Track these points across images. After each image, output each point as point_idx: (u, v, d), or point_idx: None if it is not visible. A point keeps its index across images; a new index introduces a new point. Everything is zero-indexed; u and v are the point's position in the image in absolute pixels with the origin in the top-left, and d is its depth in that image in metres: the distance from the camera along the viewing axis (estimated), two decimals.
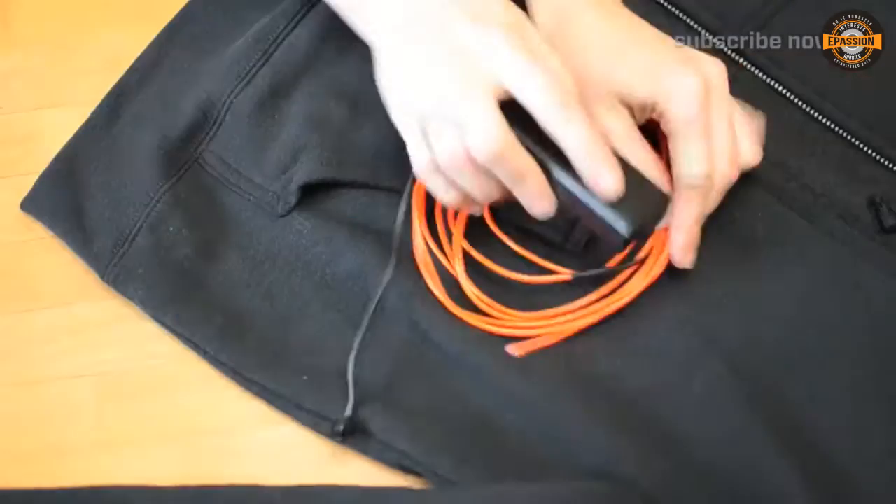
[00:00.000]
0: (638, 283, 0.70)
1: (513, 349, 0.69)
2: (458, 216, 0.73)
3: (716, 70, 0.69)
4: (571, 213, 0.67)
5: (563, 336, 0.70)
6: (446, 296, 0.71)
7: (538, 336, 0.70)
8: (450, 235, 0.73)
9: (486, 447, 0.67)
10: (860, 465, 0.66)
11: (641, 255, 0.71)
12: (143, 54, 0.80)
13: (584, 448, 0.66)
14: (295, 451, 0.69)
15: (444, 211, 0.73)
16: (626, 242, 0.65)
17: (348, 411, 0.67)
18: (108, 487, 0.65)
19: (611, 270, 0.71)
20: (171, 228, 0.73)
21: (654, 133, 0.73)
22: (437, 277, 0.71)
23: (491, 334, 0.70)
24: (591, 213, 0.65)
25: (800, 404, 0.68)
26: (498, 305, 0.71)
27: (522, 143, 0.66)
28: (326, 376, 0.69)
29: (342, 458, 0.69)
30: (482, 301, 0.71)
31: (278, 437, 0.70)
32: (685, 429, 0.67)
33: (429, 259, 0.72)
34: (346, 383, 0.68)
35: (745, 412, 0.67)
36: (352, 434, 0.67)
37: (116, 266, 0.72)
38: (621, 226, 0.65)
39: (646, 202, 0.66)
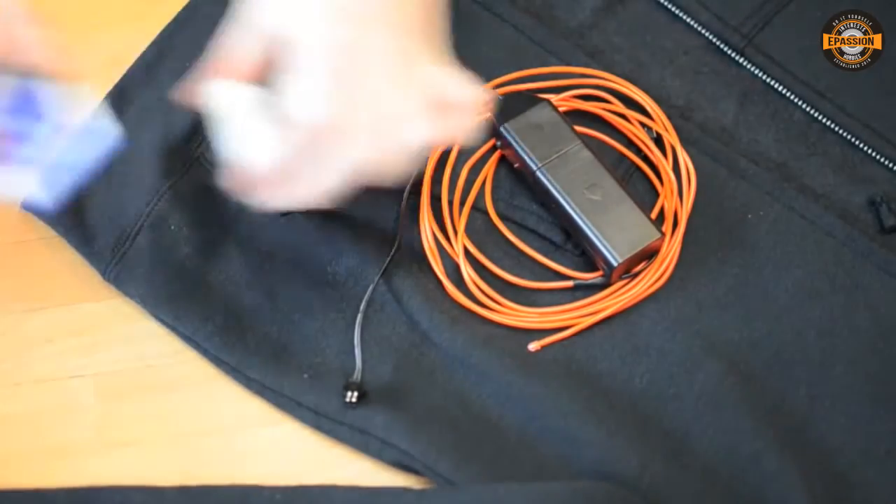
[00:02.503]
0: (640, 289, 0.71)
1: (534, 346, 0.69)
2: (462, 212, 0.73)
3: None
4: (571, 230, 0.72)
5: (577, 330, 0.70)
6: (447, 280, 0.71)
7: (537, 328, 0.70)
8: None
9: (486, 447, 0.67)
10: (860, 465, 0.66)
11: (639, 268, 0.72)
12: (144, 53, 0.79)
13: (584, 448, 0.66)
14: (295, 451, 0.69)
15: (450, 206, 0.74)
16: (614, 271, 0.69)
17: (356, 377, 0.68)
18: (108, 487, 0.65)
19: (610, 282, 0.71)
20: (173, 227, 0.73)
21: (653, 163, 0.75)
22: (440, 263, 0.72)
23: (489, 329, 0.70)
24: (587, 238, 0.70)
25: (800, 404, 0.68)
26: (496, 296, 0.71)
27: (527, 161, 0.72)
28: (327, 374, 0.69)
29: (342, 458, 0.69)
30: (480, 290, 0.71)
31: (278, 437, 0.69)
32: (685, 429, 0.67)
33: (434, 246, 0.72)
34: (348, 378, 0.68)
35: (745, 412, 0.67)
36: (362, 398, 0.67)
37: (117, 265, 0.72)
38: (611, 255, 0.69)
39: (640, 238, 0.70)
